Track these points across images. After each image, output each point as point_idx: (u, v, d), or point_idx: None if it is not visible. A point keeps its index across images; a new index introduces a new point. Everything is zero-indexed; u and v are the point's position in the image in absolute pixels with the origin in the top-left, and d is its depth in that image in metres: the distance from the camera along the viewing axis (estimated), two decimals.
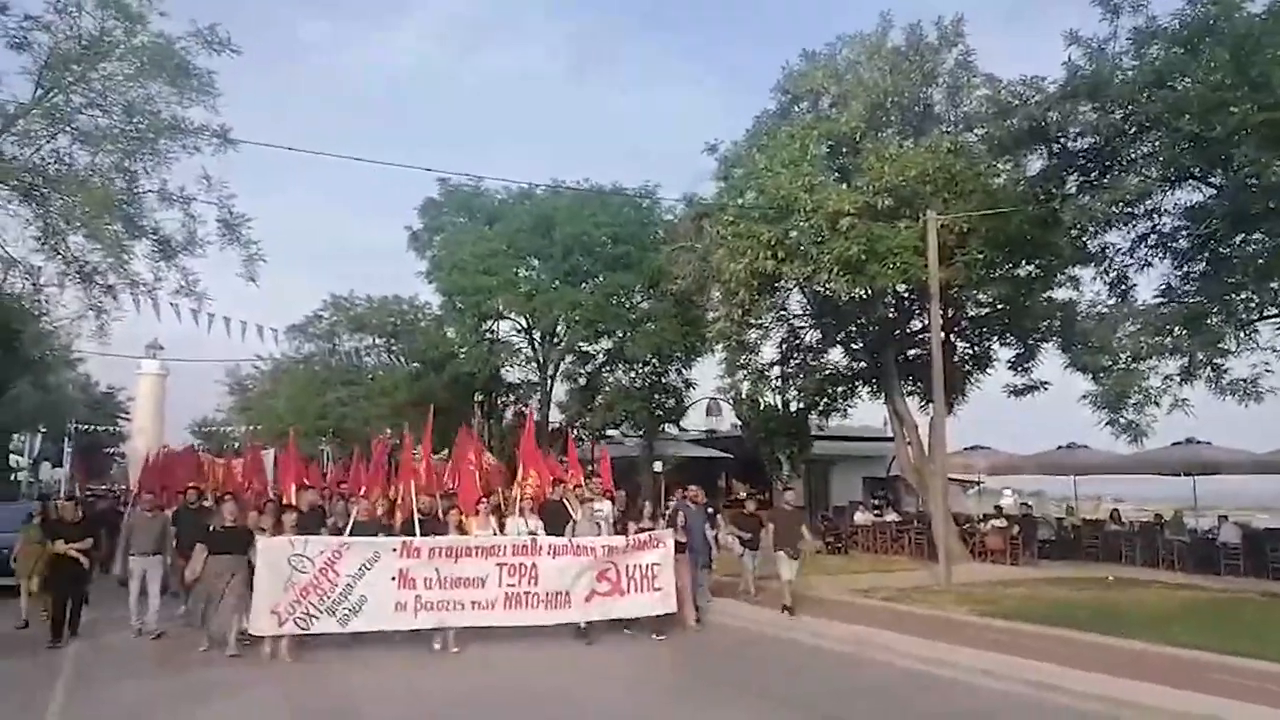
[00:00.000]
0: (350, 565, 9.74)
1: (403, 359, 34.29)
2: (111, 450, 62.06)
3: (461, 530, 10.88)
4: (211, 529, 10.27)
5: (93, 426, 52.06)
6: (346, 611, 9.62)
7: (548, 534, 11.07)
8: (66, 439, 48.11)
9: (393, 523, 11.61)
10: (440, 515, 11.22)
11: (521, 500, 12.07)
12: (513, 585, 10.28)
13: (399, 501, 12.34)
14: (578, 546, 10.72)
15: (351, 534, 10.40)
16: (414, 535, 10.44)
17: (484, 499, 11.92)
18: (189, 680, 8.81)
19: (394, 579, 9.88)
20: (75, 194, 15.48)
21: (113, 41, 15.59)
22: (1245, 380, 14.47)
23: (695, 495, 13.43)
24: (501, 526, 11.49)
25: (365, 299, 35.37)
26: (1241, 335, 14.55)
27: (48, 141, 16.08)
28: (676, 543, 11.38)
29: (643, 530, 11.37)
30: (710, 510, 14.43)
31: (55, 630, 10.41)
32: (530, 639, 10.30)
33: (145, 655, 10.16)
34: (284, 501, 12.65)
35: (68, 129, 15.96)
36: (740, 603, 13.28)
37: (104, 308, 17.73)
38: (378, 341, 36.00)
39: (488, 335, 29.57)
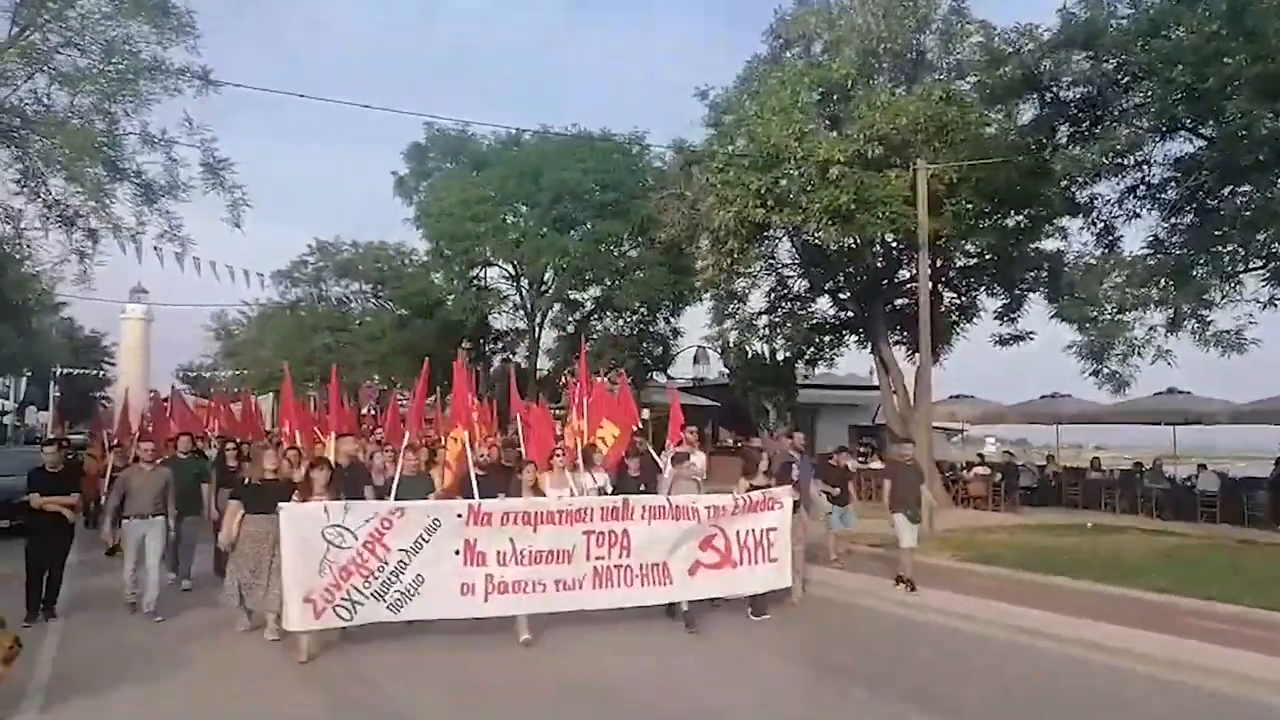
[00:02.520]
0: (403, 537, 7.66)
1: (390, 305, 34.14)
2: (97, 394, 61.91)
3: (536, 492, 8.78)
4: (248, 482, 8.62)
5: (77, 371, 51.87)
6: (399, 595, 7.61)
7: (619, 490, 9.28)
8: (52, 383, 47.97)
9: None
10: (501, 467, 9.38)
11: (596, 452, 10.12)
12: (601, 558, 8.29)
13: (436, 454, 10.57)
14: (677, 508, 8.62)
15: (397, 495, 8.30)
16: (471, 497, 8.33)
17: (559, 451, 9.58)
18: (214, 678, 7.03)
19: (459, 553, 7.81)
20: (55, 135, 15.25)
21: None
22: (1229, 332, 14.63)
23: (797, 443, 11.82)
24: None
25: (352, 244, 35.10)
26: (1226, 287, 14.66)
27: (25, 81, 15.79)
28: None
29: (755, 488, 9.30)
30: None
31: (30, 605, 8.67)
32: (611, 622, 8.37)
33: (150, 641, 8.09)
34: (285, 446, 10.46)
35: (45, 69, 15.65)
36: (832, 570, 11.46)
37: (86, 252, 17.58)
38: (364, 288, 35.80)
39: (475, 282, 29.51)
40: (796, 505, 9.60)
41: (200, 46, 16.50)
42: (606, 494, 9.17)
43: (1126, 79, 14.80)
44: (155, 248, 17.38)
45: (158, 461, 9.65)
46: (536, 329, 30.16)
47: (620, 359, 28.16)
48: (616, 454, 10.39)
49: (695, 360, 28.18)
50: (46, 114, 15.87)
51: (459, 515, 7.88)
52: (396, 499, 8.18)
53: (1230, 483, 19.33)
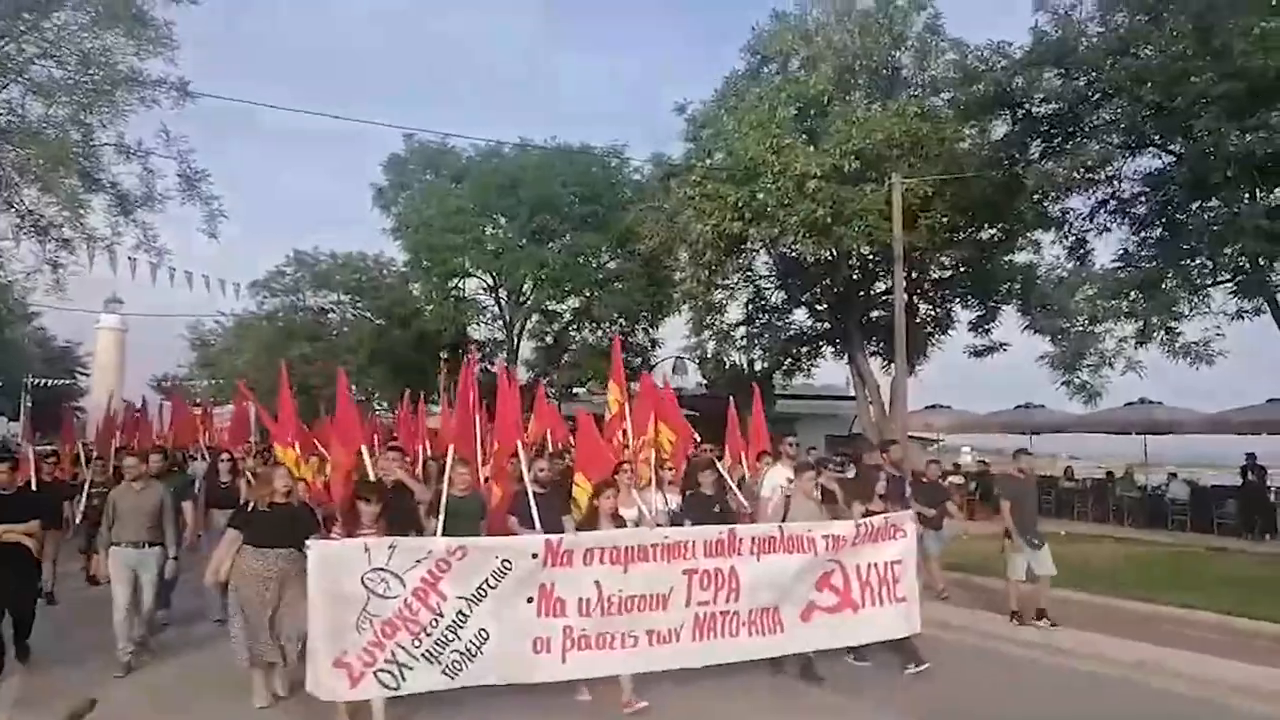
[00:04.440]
0: (464, 582, 6.15)
1: (368, 315, 34.03)
2: (71, 405, 61.18)
3: (617, 521, 7.11)
4: (251, 508, 6.78)
5: (49, 381, 51.20)
6: (458, 656, 6.10)
7: (689, 511, 7.80)
8: (24, 393, 47.33)
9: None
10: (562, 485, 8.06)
11: (663, 468, 8.60)
12: (705, 602, 6.77)
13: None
14: (790, 538, 7.13)
15: (446, 522, 6.72)
16: (529, 525, 6.94)
17: (622, 466, 7.99)
18: None
19: (532, 601, 6.33)
20: (29, 146, 15.14)
21: None
22: (1197, 343, 14.86)
23: (894, 457, 10.35)
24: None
25: (330, 255, 34.93)
26: (1195, 300, 14.90)
27: (0, 91, 15.69)
28: None
29: (872, 512, 7.84)
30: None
31: None
32: (713, 677, 6.83)
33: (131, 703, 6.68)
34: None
35: (20, 79, 15.57)
36: (934, 603, 9.78)
37: (60, 262, 17.46)
38: (342, 298, 35.62)
39: (454, 293, 29.46)
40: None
41: (178, 58, 16.48)
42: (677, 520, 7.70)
43: (1097, 96, 15.03)
44: (130, 258, 17.31)
45: (148, 475, 7.95)
46: (515, 339, 30.15)
47: (599, 368, 28.24)
48: (676, 468, 8.89)
49: (674, 370, 28.24)
50: (21, 124, 15.74)
51: (534, 555, 6.32)
52: (445, 527, 6.66)
53: (1200, 491, 19.66)
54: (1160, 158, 15.57)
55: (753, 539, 6.98)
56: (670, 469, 8.55)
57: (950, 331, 22.18)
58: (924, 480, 11.02)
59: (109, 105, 16.05)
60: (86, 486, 11.11)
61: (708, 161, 18.67)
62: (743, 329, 24.51)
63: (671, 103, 21.72)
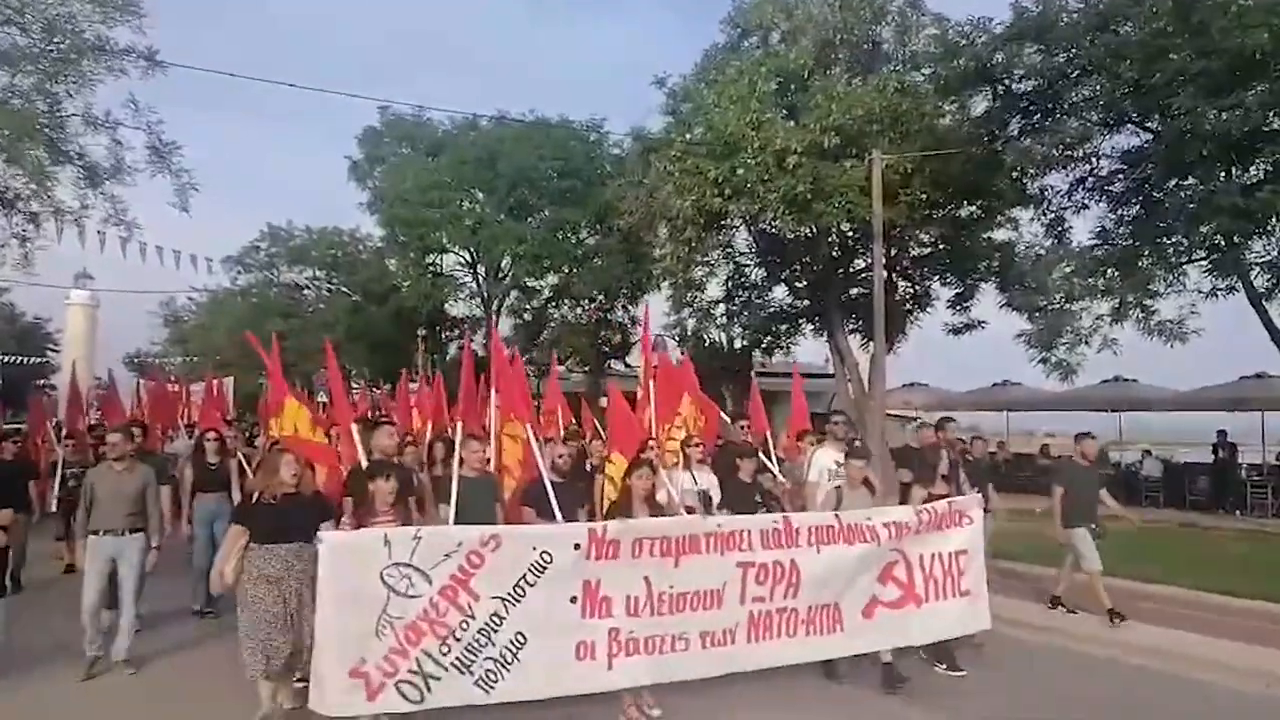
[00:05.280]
0: (498, 580, 5.41)
1: (345, 291, 33.75)
2: (42, 382, 60.38)
3: (654, 507, 6.43)
4: (256, 499, 5.86)
5: (20, 359, 50.47)
6: (492, 665, 5.36)
7: (729, 501, 7.14)
8: None
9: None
10: (582, 471, 7.50)
11: (689, 445, 7.80)
12: (761, 599, 6.12)
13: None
14: (850, 527, 6.48)
15: (458, 506, 6.16)
16: (550, 512, 6.32)
17: (650, 442, 7.45)
18: None
19: (576, 600, 5.60)
20: None
21: None
22: (1172, 321, 14.99)
23: (950, 436, 9.45)
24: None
25: (305, 230, 34.57)
26: (1170, 278, 15.00)
27: None
28: None
29: (934, 496, 7.18)
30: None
31: None
32: (761, 682, 6.25)
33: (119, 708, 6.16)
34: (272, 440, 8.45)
35: None
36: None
37: (28, 236, 17.14)
38: (318, 274, 35.31)
39: (431, 269, 29.25)
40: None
41: (147, 26, 16.11)
42: (714, 502, 7.14)
43: (1076, 73, 15.03)
44: (99, 232, 16.99)
45: (132, 455, 7.22)
46: (493, 316, 29.99)
47: (578, 346, 28.17)
48: (706, 443, 8.23)
49: (654, 348, 28.22)
50: None
51: (576, 546, 5.60)
52: (457, 512, 6.06)
53: (1173, 468, 19.91)
54: (1138, 135, 15.62)
55: (810, 529, 6.34)
56: (698, 444, 7.80)
57: (929, 309, 22.22)
58: (969, 458, 9.76)
59: (76, 74, 15.72)
60: (60, 467, 10.65)
61: (687, 136, 18.51)
62: (723, 306, 24.47)
63: (651, 75, 21.41)
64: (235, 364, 29.47)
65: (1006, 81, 16.39)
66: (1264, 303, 14.46)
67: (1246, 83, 12.55)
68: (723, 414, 9.73)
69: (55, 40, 15.33)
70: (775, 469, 8.10)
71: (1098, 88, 14.66)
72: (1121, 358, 16.29)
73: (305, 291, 35.80)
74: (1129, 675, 7.31)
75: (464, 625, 5.29)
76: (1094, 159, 16.27)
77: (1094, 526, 8.74)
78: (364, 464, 6.55)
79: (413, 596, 5.20)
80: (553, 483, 6.51)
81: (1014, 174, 16.44)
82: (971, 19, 16.88)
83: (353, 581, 5.12)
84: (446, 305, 30.29)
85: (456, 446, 6.68)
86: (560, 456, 7.05)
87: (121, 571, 6.82)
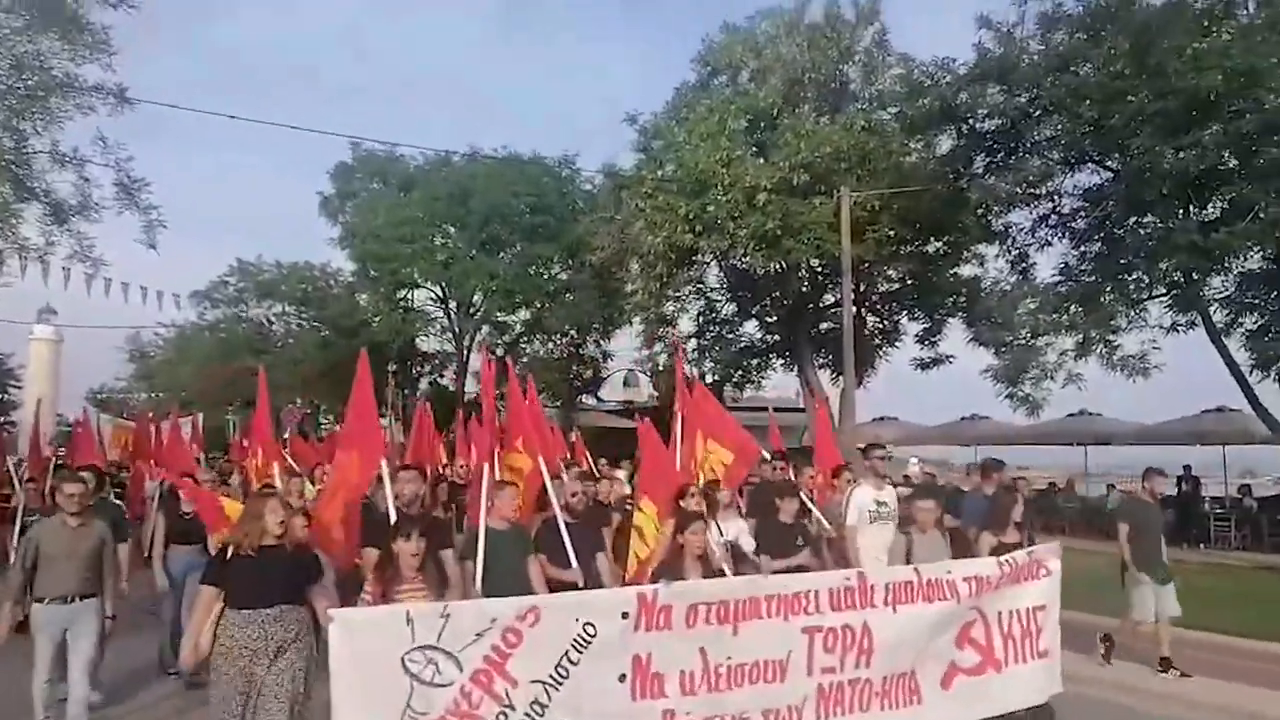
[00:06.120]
0: (538, 659, 4.53)
1: (317, 325, 33.50)
2: (2, 420, 59.18)
3: (705, 565, 5.60)
4: (230, 554, 4.80)
5: None
6: None
7: (768, 547, 6.46)
8: None
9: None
10: (599, 509, 6.87)
11: (715, 490, 6.87)
12: (831, 670, 5.20)
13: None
14: (929, 583, 5.48)
15: (485, 566, 5.58)
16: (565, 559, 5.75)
17: (690, 488, 6.54)
18: None
19: (624, 679, 4.73)
20: None
21: None
22: (1134, 356, 15.22)
23: (1004, 479, 8.34)
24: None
25: (274, 264, 34.34)
26: (1132, 314, 15.26)
27: None
28: None
29: (1005, 545, 6.31)
30: None
31: None
32: None
33: None
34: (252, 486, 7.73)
35: None
36: None
37: None
38: (287, 309, 35.02)
39: (402, 304, 29.15)
40: None
41: (116, 64, 16.04)
42: (746, 555, 6.37)
43: (1038, 112, 15.36)
44: (64, 268, 16.76)
45: (90, 507, 6.15)
46: (465, 351, 29.88)
47: (550, 381, 28.09)
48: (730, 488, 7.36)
49: (625, 383, 28.27)
50: None
51: (624, 615, 4.72)
52: (484, 571, 5.40)
53: None
54: (1099, 174, 15.99)
55: (887, 585, 5.38)
56: (725, 494, 6.94)
57: (897, 344, 22.44)
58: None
59: (43, 111, 15.56)
60: (20, 515, 9.14)
61: (659, 173, 18.70)
62: (694, 341, 24.55)
63: (623, 113, 21.65)
64: (199, 400, 29.10)
65: (970, 120, 16.71)
66: (1223, 338, 14.72)
67: (1203, 123, 12.92)
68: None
69: (23, 77, 15.20)
70: (817, 512, 7.33)
71: (1059, 127, 15.01)
72: (1086, 392, 16.56)
73: (274, 327, 35.49)
74: None
75: (501, 718, 4.42)
76: (1056, 197, 16.63)
77: (1160, 571, 7.95)
78: (389, 513, 5.59)
79: (440, 685, 4.30)
80: (566, 524, 5.97)
81: (979, 211, 16.74)
82: (936, 59, 17.27)
83: (370, 669, 4.24)
84: (418, 340, 30.15)
85: (484, 492, 5.83)
86: (574, 495, 6.49)
87: (74, 645, 5.71)
